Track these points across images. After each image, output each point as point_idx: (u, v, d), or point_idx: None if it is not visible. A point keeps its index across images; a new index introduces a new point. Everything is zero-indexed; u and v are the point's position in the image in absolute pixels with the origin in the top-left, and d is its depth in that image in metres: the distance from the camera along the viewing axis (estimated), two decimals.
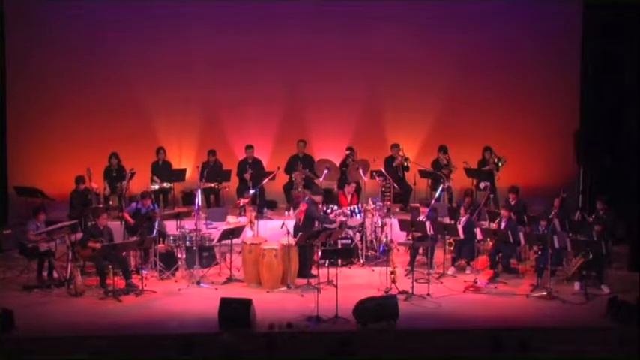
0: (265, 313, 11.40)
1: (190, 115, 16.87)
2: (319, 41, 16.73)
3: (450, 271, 13.53)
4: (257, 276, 12.91)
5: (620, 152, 16.08)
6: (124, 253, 12.94)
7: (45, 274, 13.01)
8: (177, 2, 16.41)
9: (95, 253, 12.68)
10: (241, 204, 14.94)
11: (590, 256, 12.43)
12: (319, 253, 12.79)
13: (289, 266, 12.85)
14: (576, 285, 12.66)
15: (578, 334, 10.94)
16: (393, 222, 14.23)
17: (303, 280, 12.89)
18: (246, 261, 13.06)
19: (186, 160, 16.75)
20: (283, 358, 9.63)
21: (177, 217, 13.86)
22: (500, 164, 15.84)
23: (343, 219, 14.04)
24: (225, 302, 11.21)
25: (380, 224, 14.35)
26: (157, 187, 15.68)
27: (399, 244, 14.45)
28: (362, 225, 14.19)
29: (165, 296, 12.46)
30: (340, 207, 14.41)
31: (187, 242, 13.60)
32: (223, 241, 13.42)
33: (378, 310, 11.21)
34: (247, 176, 15.86)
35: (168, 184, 15.95)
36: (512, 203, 14.22)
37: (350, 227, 14.10)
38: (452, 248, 13.64)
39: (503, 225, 13.42)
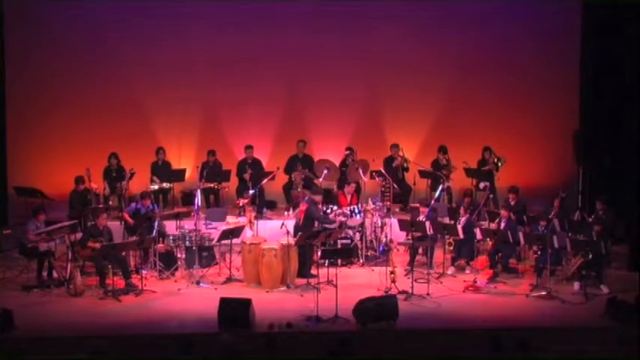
0: (265, 313, 11.40)
1: (190, 115, 16.87)
2: (319, 41, 16.72)
3: (450, 271, 13.53)
4: (257, 276, 12.91)
5: (620, 152, 16.07)
6: (123, 253, 12.94)
7: (44, 274, 13.00)
8: (177, 2, 16.40)
9: (95, 253, 12.68)
10: (241, 204, 14.94)
11: (590, 256, 12.43)
12: (319, 253, 12.78)
13: (289, 266, 12.85)
14: (576, 285, 12.66)
15: (577, 333, 10.95)
16: (393, 222, 14.24)
17: (303, 280, 12.90)
18: (246, 261, 13.06)
19: (185, 160, 16.75)
20: (283, 358, 9.63)
21: (177, 217, 13.86)
22: (499, 164, 15.85)
23: (343, 219, 14.04)
24: (224, 302, 11.21)
25: (380, 224, 14.35)
26: (156, 187, 15.68)
27: (399, 244, 14.46)
28: (362, 225, 14.20)
29: (164, 296, 12.46)
30: (340, 207, 14.41)
31: (187, 242, 13.61)
32: (223, 241, 13.42)
33: (377, 310, 11.21)
34: (247, 176, 15.85)
35: (168, 184, 15.95)
36: (512, 203, 14.22)
37: (350, 227, 14.10)
38: (451, 248, 13.64)
39: (502, 225, 13.42)
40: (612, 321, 11.33)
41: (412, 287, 12.29)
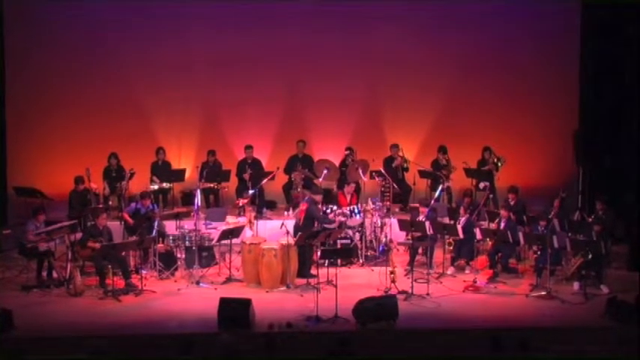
0: (265, 313, 11.40)
1: (190, 115, 16.87)
2: (319, 41, 16.72)
3: (450, 271, 13.53)
4: (256, 276, 12.91)
5: (620, 152, 16.07)
6: (123, 253, 12.94)
7: (44, 274, 13.00)
8: (177, 2, 16.40)
9: (94, 253, 12.68)
10: (241, 204, 14.93)
11: (590, 256, 12.43)
12: (319, 253, 12.78)
13: (289, 266, 12.85)
14: (575, 285, 12.66)
15: (577, 333, 10.95)
16: (393, 222, 14.23)
17: (303, 280, 12.90)
18: (246, 261, 13.06)
19: (185, 160, 16.74)
20: (283, 358, 9.63)
21: (177, 217, 13.86)
22: (499, 164, 15.84)
23: (342, 219, 14.04)
24: (224, 302, 11.21)
25: (379, 224, 14.35)
26: (156, 187, 15.68)
27: (399, 244, 14.45)
28: (361, 225, 14.20)
29: (164, 296, 12.46)
30: (340, 207, 14.40)
31: (187, 242, 13.61)
32: (223, 241, 13.42)
33: (377, 310, 11.21)
34: (247, 176, 15.85)
35: (168, 184, 15.94)
36: (512, 203, 14.22)
37: (349, 227, 14.09)
38: (451, 248, 13.64)
39: (502, 225, 13.42)
40: (612, 321, 11.33)
41: (412, 287, 12.29)
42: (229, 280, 13.11)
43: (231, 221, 14.32)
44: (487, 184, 15.57)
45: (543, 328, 11.14)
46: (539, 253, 12.78)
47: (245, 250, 13.08)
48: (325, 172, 14.96)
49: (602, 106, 16.43)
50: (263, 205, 15.57)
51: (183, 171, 16.23)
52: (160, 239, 13.62)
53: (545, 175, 16.70)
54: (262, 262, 12.79)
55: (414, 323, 11.32)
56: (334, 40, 16.71)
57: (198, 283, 12.93)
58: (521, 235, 13.02)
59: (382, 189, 15.32)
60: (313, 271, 12.86)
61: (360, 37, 16.73)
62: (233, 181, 16.21)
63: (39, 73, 16.45)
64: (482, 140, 16.30)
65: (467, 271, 13.53)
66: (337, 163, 15.98)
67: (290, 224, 13.37)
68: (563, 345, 10.45)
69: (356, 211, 14.34)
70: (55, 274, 12.96)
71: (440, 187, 14.88)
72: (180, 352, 9.28)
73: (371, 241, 14.41)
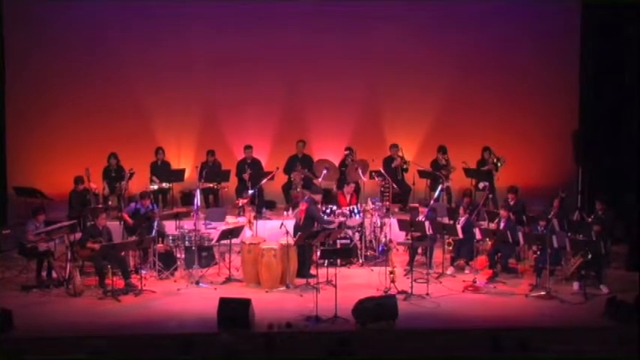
0: (264, 313, 11.40)
1: (189, 115, 16.87)
2: (319, 41, 16.72)
3: (449, 271, 13.53)
4: (256, 276, 12.90)
5: (620, 152, 16.07)
6: (122, 253, 12.93)
7: (44, 274, 13.00)
8: (177, 2, 16.40)
9: (94, 253, 12.68)
10: (240, 204, 14.92)
11: (589, 256, 12.43)
12: (318, 253, 12.78)
13: (288, 266, 12.84)
14: (575, 285, 12.66)
15: (577, 333, 10.95)
16: (392, 222, 14.22)
17: (302, 280, 12.89)
18: (245, 261, 13.06)
19: (185, 160, 16.74)
20: (282, 358, 9.64)
21: (176, 217, 13.86)
22: (499, 164, 15.84)
23: (342, 219, 14.04)
24: (224, 302, 11.20)
25: (379, 224, 14.35)
26: (155, 187, 15.68)
27: (398, 244, 14.44)
28: (361, 225, 14.19)
29: (164, 296, 12.46)
30: (339, 207, 14.40)
31: (186, 242, 13.61)
32: (222, 241, 13.41)
33: (377, 310, 11.21)
34: (246, 176, 15.85)
35: (167, 184, 15.94)
36: (512, 203, 14.21)
37: (349, 227, 14.09)
38: (451, 248, 13.63)
39: (502, 225, 13.42)
40: (612, 321, 11.33)
41: (411, 287, 12.29)
42: (229, 280, 13.10)
43: (231, 221, 14.32)
44: (487, 184, 15.57)
45: (543, 328, 11.14)
46: (538, 253, 12.77)
47: (245, 250, 13.07)
48: (325, 172, 14.96)
49: (602, 106, 16.42)
50: (262, 205, 15.57)
51: (182, 171, 16.23)
52: (160, 239, 13.62)
53: (544, 175, 16.70)
54: (262, 262, 12.79)
55: (413, 323, 11.32)
56: (334, 40, 16.71)
57: (197, 283, 12.93)
58: (520, 235, 13.01)
59: (382, 189, 15.32)
60: (313, 271, 12.86)
61: (359, 37, 16.73)
62: (232, 181, 16.21)
63: (39, 73, 16.45)
64: (481, 140, 16.29)
65: (466, 271, 13.52)
66: (337, 163, 15.98)
67: (289, 224, 13.36)
68: (562, 345, 10.45)
69: (355, 211, 14.34)
70: (54, 274, 12.96)
71: (439, 187, 14.87)
72: (180, 352, 9.29)
73: (370, 241, 14.41)
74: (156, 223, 13.40)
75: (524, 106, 17.01)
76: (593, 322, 11.39)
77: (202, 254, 13.61)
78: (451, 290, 12.63)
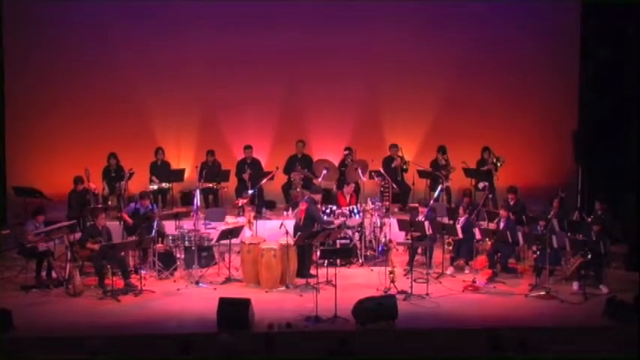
0: (264, 313, 11.40)
1: (189, 115, 16.86)
2: (319, 41, 16.70)
3: (449, 270, 13.53)
4: (256, 276, 12.90)
5: (619, 152, 16.06)
6: (122, 253, 12.93)
7: (43, 274, 13.00)
8: (177, 2, 16.40)
9: (94, 254, 12.68)
10: (240, 204, 14.92)
11: (589, 256, 12.43)
12: (318, 253, 12.78)
13: (288, 266, 12.84)
14: (575, 285, 12.67)
15: (576, 333, 10.96)
16: (392, 222, 14.21)
17: (302, 280, 12.89)
18: (245, 261, 13.06)
19: (184, 160, 16.73)
20: (282, 358, 9.62)
21: (176, 217, 13.86)
22: (498, 164, 15.83)
23: (342, 219, 14.03)
24: (223, 302, 11.21)
25: (379, 224, 14.35)
26: (155, 187, 15.67)
27: (398, 244, 14.44)
28: (361, 225, 14.19)
29: (163, 296, 12.46)
30: (339, 207, 14.40)
31: (186, 242, 13.61)
32: (222, 241, 13.41)
33: (377, 310, 11.21)
34: (246, 176, 15.85)
35: (167, 184, 15.94)
36: (511, 203, 14.21)
37: (349, 227, 14.09)
38: (450, 248, 13.63)
39: (502, 225, 13.42)
40: (611, 321, 11.34)
41: (411, 287, 12.29)
42: (228, 280, 13.10)
43: (231, 221, 14.32)
44: (486, 184, 15.58)
45: (542, 327, 11.14)
46: (538, 253, 12.77)
47: (244, 250, 13.07)
48: (324, 172, 14.96)
49: (602, 106, 16.42)
50: (262, 205, 15.56)
51: (182, 171, 16.23)
52: (159, 239, 13.63)
53: (544, 175, 16.70)
54: (261, 262, 12.78)
55: (413, 323, 11.33)
56: (334, 40, 16.69)
57: (197, 283, 12.93)
58: (520, 235, 13.02)
59: (381, 189, 15.31)
60: (313, 271, 12.86)
61: (359, 37, 16.71)
62: (232, 181, 16.20)
63: (38, 73, 16.44)
64: (481, 140, 16.29)
65: (466, 271, 13.52)
66: (336, 163, 15.97)
67: (289, 224, 13.36)
68: (562, 345, 10.46)
69: (355, 211, 14.34)
70: (54, 274, 12.97)
71: (439, 187, 14.87)
72: (180, 352, 9.27)
73: (370, 241, 14.41)
74: (155, 223, 13.39)
75: (524, 106, 17.01)
76: (592, 322, 11.40)
77: (202, 254, 13.60)
78: (451, 290, 12.63)
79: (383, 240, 14.14)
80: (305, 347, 10.39)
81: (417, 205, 14.20)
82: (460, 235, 13.14)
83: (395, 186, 15.59)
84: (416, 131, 16.95)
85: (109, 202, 15.10)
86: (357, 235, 14.16)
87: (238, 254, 13.43)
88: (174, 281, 13.14)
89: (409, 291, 12.26)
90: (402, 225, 13.45)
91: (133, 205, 14.09)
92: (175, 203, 16.10)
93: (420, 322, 11.40)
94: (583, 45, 16.75)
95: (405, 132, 16.86)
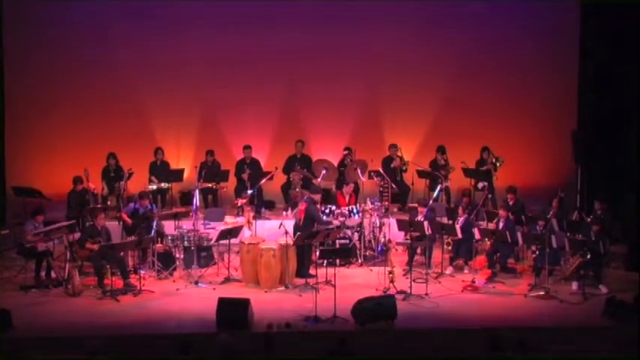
0: (263, 313, 11.40)
1: (188, 115, 16.86)
2: (319, 41, 16.70)
3: (448, 270, 13.53)
4: (255, 276, 12.90)
5: (619, 152, 16.06)
6: (121, 253, 12.93)
7: (43, 274, 12.99)
8: (177, 2, 16.40)
9: (93, 254, 12.67)
10: (239, 204, 14.91)
11: (588, 256, 12.43)
12: (317, 253, 12.78)
13: (287, 266, 12.84)
14: (574, 285, 12.66)
15: (576, 333, 10.96)
16: (391, 222, 14.21)
17: (302, 280, 12.89)
18: (244, 261, 13.05)
19: (184, 160, 16.74)
20: (281, 358, 9.62)
21: (175, 217, 13.85)
22: (498, 164, 15.83)
23: (341, 219, 14.03)
24: (223, 302, 11.20)
25: (378, 224, 14.34)
26: (154, 187, 15.67)
27: (397, 244, 14.45)
28: (360, 225, 14.19)
29: (163, 296, 12.46)
30: (338, 207, 14.40)
31: (185, 242, 13.60)
32: (221, 241, 13.40)
33: (376, 310, 11.21)
34: (245, 176, 15.85)
35: (166, 184, 15.94)
36: (511, 203, 14.21)
37: (348, 227, 14.09)
38: (450, 248, 13.64)
39: (501, 225, 13.42)
40: (611, 321, 11.34)
41: (410, 287, 12.29)
42: (228, 280, 13.10)
43: (230, 221, 14.32)
44: (486, 184, 15.58)
45: (542, 327, 11.14)
46: (537, 253, 12.77)
47: (244, 250, 13.07)
48: (324, 172, 14.96)
49: (601, 106, 16.41)
50: (261, 205, 15.56)
51: (181, 171, 16.23)
52: (159, 239, 13.62)
53: (543, 175, 16.70)
54: (261, 262, 12.78)
55: (412, 323, 11.33)
56: (333, 40, 16.69)
57: (196, 283, 12.93)
58: (519, 235, 13.02)
59: (381, 189, 15.31)
60: (312, 271, 12.85)
61: (359, 37, 16.71)
62: (232, 181, 16.21)
63: (38, 73, 16.44)
64: (480, 140, 16.29)
65: (465, 271, 13.52)
66: (336, 163, 15.98)
67: (289, 224, 13.35)
68: (561, 345, 10.45)
69: (354, 211, 14.33)
70: (53, 274, 12.97)
71: (438, 187, 14.88)
72: (179, 352, 9.27)
73: (369, 241, 14.40)
74: (155, 223, 13.39)
75: (524, 106, 17.01)
76: (592, 321, 11.40)
77: (201, 254, 13.60)
78: (450, 290, 12.62)
79: (382, 240, 14.14)
80: (304, 347, 10.39)
81: (416, 205, 14.20)
82: (459, 235, 13.14)
83: (394, 186, 15.58)
84: (415, 131, 16.95)
85: (109, 202, 15.10)
86: (356, 235, 14.16)
87: (237, 254, 13.43)
88: (174, 281, 13.14)
89: (408, 291, 12.25)
90: (401, 225, 13.45)
91: (132, 205, 14.09)
92: (175, 203, 16.11)
93: (419, 322, 11.40)
94: (582, 45, 16.75)
95: (405, 132, 16.86)
